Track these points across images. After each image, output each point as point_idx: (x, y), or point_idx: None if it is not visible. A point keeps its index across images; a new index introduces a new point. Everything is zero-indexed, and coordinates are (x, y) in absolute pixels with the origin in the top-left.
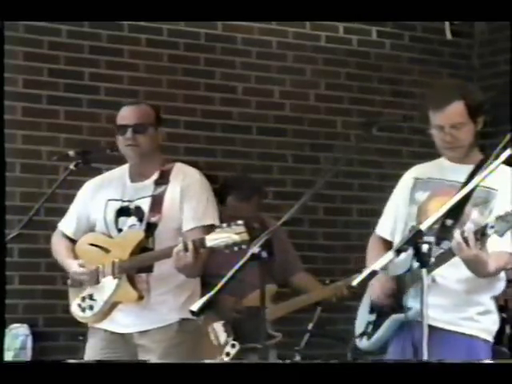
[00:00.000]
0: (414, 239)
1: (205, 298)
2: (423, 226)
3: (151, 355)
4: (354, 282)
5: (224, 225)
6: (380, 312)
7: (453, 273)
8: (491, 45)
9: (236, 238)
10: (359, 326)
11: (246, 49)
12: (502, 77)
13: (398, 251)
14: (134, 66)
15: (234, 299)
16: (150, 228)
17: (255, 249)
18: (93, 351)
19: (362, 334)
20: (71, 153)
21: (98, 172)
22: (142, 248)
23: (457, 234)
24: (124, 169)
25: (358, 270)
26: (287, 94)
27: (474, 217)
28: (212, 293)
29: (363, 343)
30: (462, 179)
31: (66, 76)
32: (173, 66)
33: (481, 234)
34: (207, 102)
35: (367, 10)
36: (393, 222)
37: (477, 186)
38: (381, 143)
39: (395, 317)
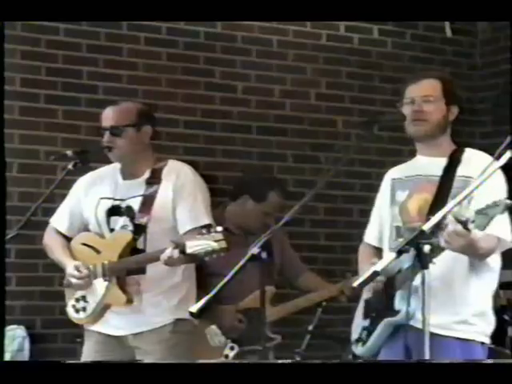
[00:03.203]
0: (415, 240)
1: (204, 300)
2: (426, 227)
3: (147, 357)
4: (355, 283)
5: (204, 231)
6: (373, 317)
7: (437, 270)
8: (493, 43)
9: (215, 245)
10: (355, 331)
11: (246, 47)
12: (504, 75)
13: (400, 252)
14: (133, 64)
15: (232, 308)
16: (139, 229)
17: (255, 249)
18: (88, 354)
19: (357, 340)
20: (69, 152)
21: None
22: (131, 249)
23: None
24: (116, 166)
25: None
26: (288, 93)
27: (454, 209)
28: (211, 294)
29: (359, 349)
30: (438, 172)
31: (64, 75)
32: (172, 65)
33: (464, 229)
34: (207, 101)
35: (368, 9)
36: (378, 227)
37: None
38: (382, 143)
39: (387, 321)
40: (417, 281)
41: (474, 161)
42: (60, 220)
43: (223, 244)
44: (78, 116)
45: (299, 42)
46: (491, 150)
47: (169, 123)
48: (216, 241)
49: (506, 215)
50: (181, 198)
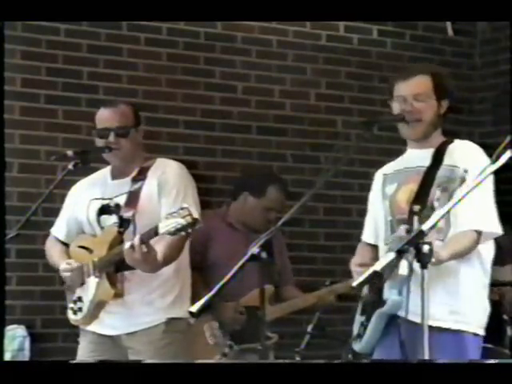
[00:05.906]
0: (415, 239)
1: (204, 300)
2: (425, 227)
3: (139, 358)
4: (355, 283)
5: (173, 209)
6: (368, 312)
7: None
8: (493, 43)
9: (182, 221)
10: (355, 328)
11: (246, 48)
12: (504, 75)
13: (399, 252)
14: (133, 65)
15: (233, 305)
16: (124, 223)
17: (255, 249)
18: (82, 354)
19: (356, 337)
20: (69, 153)
21: None
22: (119, 244)
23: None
24: (108, 168)
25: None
26: (287, 93)
27: (437, 196)
28: (211, 294)
29: (357, 345)
30: (426, 163)
31: (64, 75)
32: (172, 65)
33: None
34: (207, 102)
35: (368, 9)
36: (373, 224)
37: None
38: (382, 143)
39: (378, 312)
40: (403, 270)
41: (459, 149)
42: (58, 228)
43: (189, 219)
44: (78, 116)
45: (299, 43)
46: (491, 150)
47: (169, 123)
48: (183, 217)
49: (491, 206)
50: (164, 191)
